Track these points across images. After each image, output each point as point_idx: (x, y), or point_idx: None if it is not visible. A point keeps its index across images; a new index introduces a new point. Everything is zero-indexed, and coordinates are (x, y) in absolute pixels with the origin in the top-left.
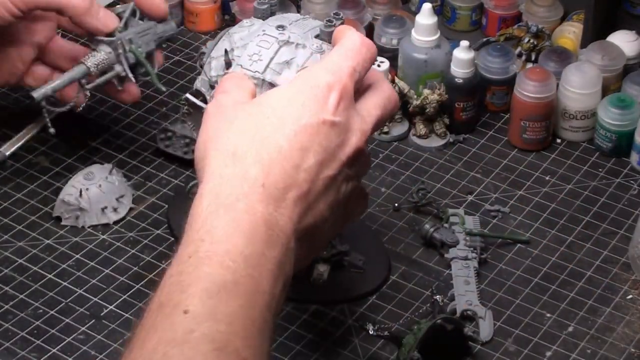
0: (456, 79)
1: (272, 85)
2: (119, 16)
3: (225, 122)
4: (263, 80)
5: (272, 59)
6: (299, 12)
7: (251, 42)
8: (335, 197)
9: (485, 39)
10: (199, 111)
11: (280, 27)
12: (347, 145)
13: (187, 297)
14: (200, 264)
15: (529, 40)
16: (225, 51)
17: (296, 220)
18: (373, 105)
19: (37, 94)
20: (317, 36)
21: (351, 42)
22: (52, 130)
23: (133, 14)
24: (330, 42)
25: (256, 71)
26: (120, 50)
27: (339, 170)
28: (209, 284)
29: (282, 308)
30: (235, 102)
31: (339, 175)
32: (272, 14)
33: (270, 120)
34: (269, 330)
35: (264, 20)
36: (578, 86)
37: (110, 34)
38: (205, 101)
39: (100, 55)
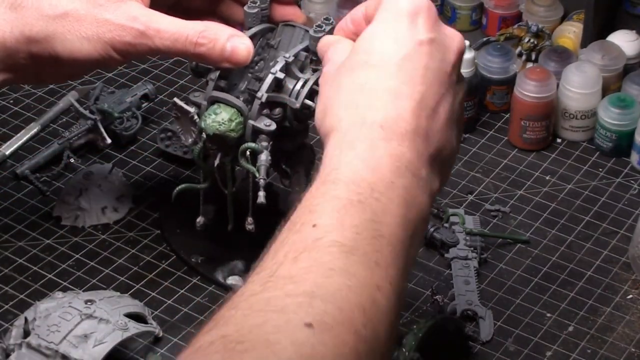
0: None
1: (65, 357)
2: (89, 94)
3: (333, 89)
4: (56, 351)
5: (70, 331)
6: None
7: (54, 312)
8: (451, 107)
9: (485, 39)
10: (187, 115)
11: (89, 301)
12: (449, 53)
13: (315, 214)
14: (328, 188)
15: (529, 40)
16: (25, 320)
17: (422, 149)
18: None
19: (19, 171)
20: (306, 49)
21: None
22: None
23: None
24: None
25: (52, 342)
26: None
27: (449, 83)
28: (336, 201)
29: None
30: (338, 66)
31: (450, 87)
32: (263, 17)
33: (371, 64)
34: (404, 251)
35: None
36: (578, 86)
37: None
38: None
39: (80, 128)
